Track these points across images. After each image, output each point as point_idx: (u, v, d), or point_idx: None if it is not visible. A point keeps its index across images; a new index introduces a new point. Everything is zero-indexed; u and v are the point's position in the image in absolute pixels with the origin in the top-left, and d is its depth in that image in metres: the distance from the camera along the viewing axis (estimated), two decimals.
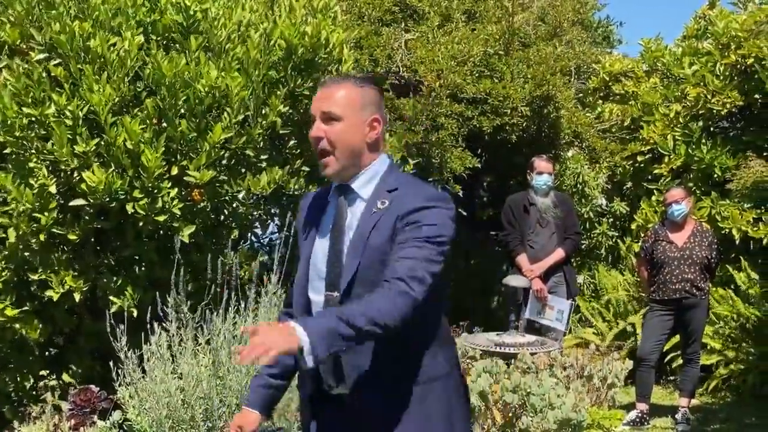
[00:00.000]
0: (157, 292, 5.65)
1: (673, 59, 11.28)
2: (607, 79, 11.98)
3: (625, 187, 11.66)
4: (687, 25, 11.76)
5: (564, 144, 10.87)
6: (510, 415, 6.65)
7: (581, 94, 11.91)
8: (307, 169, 6.69)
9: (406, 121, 9.44)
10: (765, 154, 10.08)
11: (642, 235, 10.62)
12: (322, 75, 6.65)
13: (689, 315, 8.60)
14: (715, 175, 10.24)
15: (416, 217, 3.03)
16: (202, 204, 6.07)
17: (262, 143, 6.30)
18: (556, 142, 10.71)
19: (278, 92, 6.29)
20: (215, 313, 5.70)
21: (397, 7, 10.20)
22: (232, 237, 6.33)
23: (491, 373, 6.87)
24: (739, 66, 10.21)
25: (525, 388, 6.66)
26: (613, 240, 11.53)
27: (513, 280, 8.39)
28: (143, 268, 6.29)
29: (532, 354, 7.22)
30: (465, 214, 10.37)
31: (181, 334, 5.68)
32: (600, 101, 12.05)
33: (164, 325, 5.60)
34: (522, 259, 8.91)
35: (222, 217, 6.60)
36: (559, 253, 8.97)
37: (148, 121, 5.90)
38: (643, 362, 8.54)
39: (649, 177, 11.14)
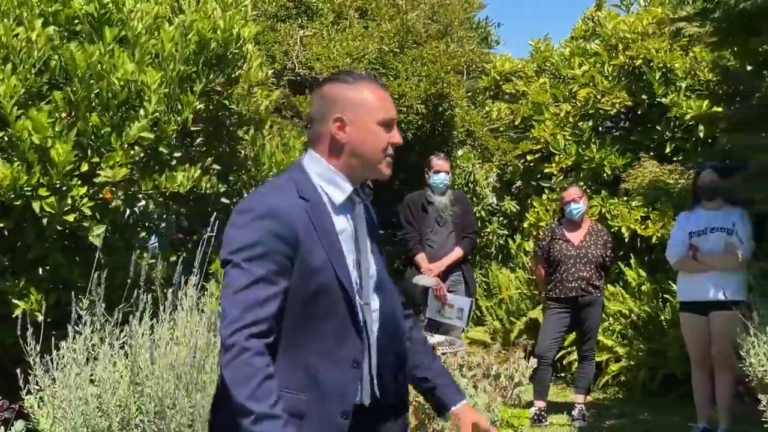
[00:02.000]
0: (68, 294, 5.34)
1: (561, 60, 11.42)
2: (498, 78, 12.06)
3: (514, 186, 11.75)
4: (575, 26, 11.92)
5: (457, 142, 10.88)
6: (423, 416, 6.57)
7: (470, 93, 11.93)
8: (218, 167, 6.48)
9: (303, 119, 9.29)
10: (652, 153, 10.31)
11: (534, 233, 10.74)
12: (232, 71, 6.44)
13: (585, 313, 8.72)
14: (605, 174, 10.40)
15: None
16: (114, 203, 5.80)
17: (174, 140, 6.06)
18: (449, 141, 10.71)
19: (195, 88, 6.05)
20: (132, 317, 5.43)
21: (291, 2, 10.03)
22: (142, 237, 6.07)
23: None
24: (627, 67, 10.41)
25: None
26: (504, 238, 11.60)
27: (422, 280, 8.35)
28: (47, 270, 5.96)
29: (442, 354, 7.17)
30: None
31: (96, 338, 5.39)
32: (490, 100, 12.11)
33: (77, 328, 5.30)
34: (421, 258, 8.85)
35: (133, 217, 6.32)
36: (457, 252, 8.95)
37: (57, 114, 5.58)
38: (540, 360, 8.60)
39: (539, 176, 11.26)
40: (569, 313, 8.72)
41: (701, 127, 9.81)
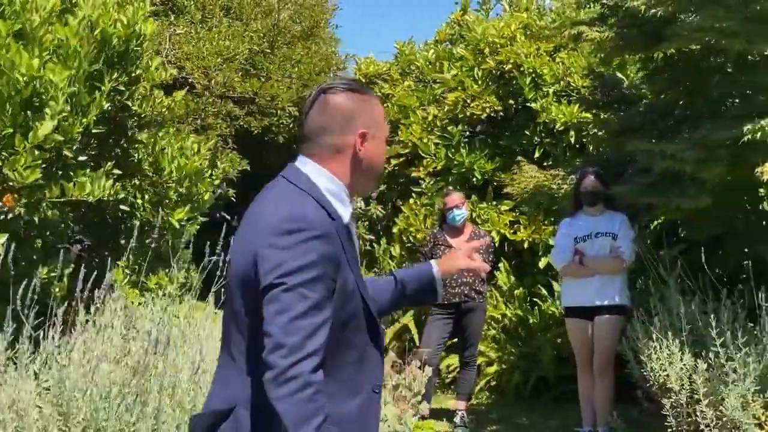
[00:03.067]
0: None
1: (425, 63, 11.38)
2: (363, 80, 11.90)
3: (378, 190, 11.61)
4: (439, 29, 11.90)
5: None
6: None
7: None
8: (119, 172, 6.07)
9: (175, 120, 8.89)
10: (518, 158, 10.39)
11: (405, 238, 10.65)
12: (133, 69, 6.04)
13: (468, 319, 8.69)
14: (474, 179, 10.40)
15: None
16: (17, 211, 5.31)
17: (79, 143, 5.62)
18: None
19: (103, 87, 5.62)
20: (42, 333, 5.03)
21: None
22: (43, 248, 5.61)
23: None
24: (495, 72, 10.45)
25: None
26: (369, 243, 11.45)
27: None
28: None
29: None
30: (228, 217, 9.92)
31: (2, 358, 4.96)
32: None
33: None
34: None
35: (35, 226, 5.83)
36: None
37: None
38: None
39: (401, 180, 11.19)
40: (453, 319, 8.67)
41: (571, 133, 9.94)
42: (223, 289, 5.67)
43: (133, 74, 6.06)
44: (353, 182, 2.78)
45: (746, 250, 7.76)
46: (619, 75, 9.40)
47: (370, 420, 2.71)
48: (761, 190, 7.74)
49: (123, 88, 6.00)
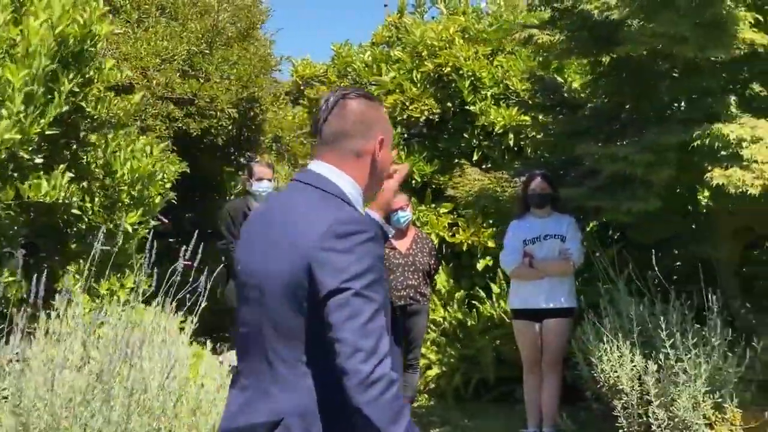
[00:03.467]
0: None
1: (362, 65, 11.33)
2: (300, 83, 11.82)
3: None
4: (375, 31, 11.85)
5: (265, 147, 10.56)
6: None
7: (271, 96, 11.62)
8: (71, 174, 5.91)
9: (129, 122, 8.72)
10: (456, 161, 10.42)
11: None
12: (87, 71, 5.90)
13: (412, 321, 8.68)
14: (413, 182, 10.39)
15: None
16: None
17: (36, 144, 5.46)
18: (255, 146, 10.37)
19: (62, 88, 5.47)
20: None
21: None
22: None
23: None
24: (434, 74, 10.45)
25: None
26: None
27: None
28: None
29: None
30: (165, 221, 9.74)
31: None
32: (290, 105, 11.85)
33: None
34: None
35: None
36: None
37: None
38: None
39: None
40: (398, 322, 8.64)
41: (510, 136, 9.99)
42: (188, 295, 5.58)
43: (87, 75, 5.92)
44: (367, 187, 2.80)
45: (687, 251, 7.88)
46: (559, 79, 9.49)
47: None
48: (701, 194, 7.89)
49: (77, 89, 5.85)
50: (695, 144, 6.55)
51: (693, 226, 8.01)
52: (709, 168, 6.52)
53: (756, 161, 6.26)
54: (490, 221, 10.10)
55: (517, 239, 7.88)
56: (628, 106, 7.88)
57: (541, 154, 10.02)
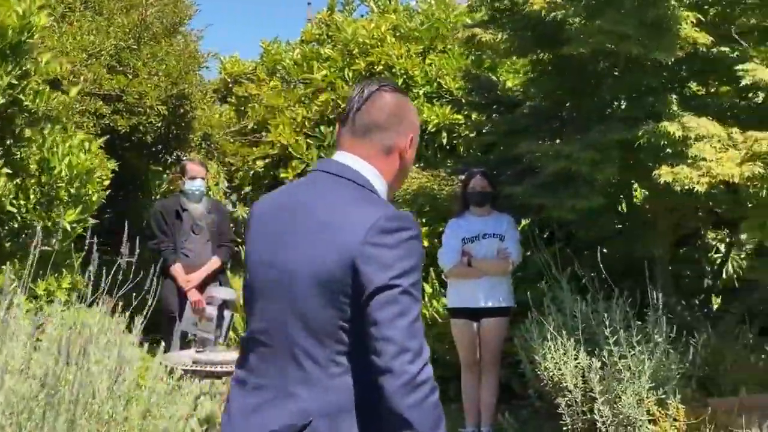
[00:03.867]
0: None
1: (291, 63, 11.21)
2: (228, 80, 11.63)
3: (243, 192, 11.35)
4: (304, 29, 11.71)
5: (194, 146, 10.34)
6: None
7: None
8: (9, 171, 5.69)
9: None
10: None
11: None
12: (25, 63, 5.68)
13: None
14: None
15: None
16: None
17: None
18: (184, 144, 10.16)
19: (0, 81, 5.25)
20: None
21: None
22: None
23: (210, 395, 6.32)
24: (366, 73, 10.39)
25: None
26: (237, 246, 11.17)
27: (222, 292, 7.80)
28: None
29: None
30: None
31: None
32: (218, 103, 11.63)
33: None
34: (177, 270, 8.34)
35: None
36: (215, 262, 8.55)
37: None
38: None
39: (266, 182, 11.00)
40: None
41: (443, 134, 9.97)
42: (135, 294, 5.40)
43: (24, 67, 5.70)
44: (392, 184, 2.70)
45: (626, 248, 7.94)
46: (493, 77, 9.51)
47: None
48: (638, 192, 7.97)
49: (16, 82, 5.62)
50: (641, 141, 6.58)
51: (627, 224, 8.06)
52: (657, 166, 6.54)
53: (704, 159, 6.30)
54: (424, 220, 10.05)
55: (456, 238, 7.82)
56: (568, 105, 7.90)
57: (474, 152, 10.02)
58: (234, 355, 7.17)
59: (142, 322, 5.38)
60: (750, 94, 7.45)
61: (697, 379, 7.17)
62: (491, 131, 8.60)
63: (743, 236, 7.65)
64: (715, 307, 8.82)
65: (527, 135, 7.65)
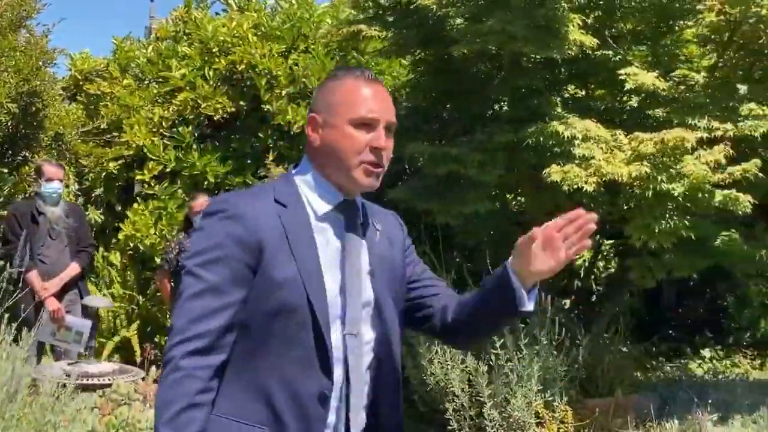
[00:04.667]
0: None
1: (145, 61, 10.76)
2: (79, 77, 11.03)
3: (94, 194, 10.80)
4: (160, 26, 11.23)
5: (44, 146, 9.75)
6: None
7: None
8: None
9: None
10: (249, 161, 10.10)
11: (131, 245, 10.01)
12: None
13: None
14: (207, 182, 9.95)
15: (409, 238, 2.83)
16: None
17: None
18: (34, 144, 9.59)
19: None
20: None
21: None
22: None
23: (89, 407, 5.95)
24: (226, 72, 10.07)
25: (134, 422, 5.88)
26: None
27: (94, 301, 7.38)
28: None
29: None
30: None
31: None
32: (67, 101, 11.01)
33: None
34: (33, 276, 7.84)
35: None
36: (74, 268, 8.08)
37: None
38: None
39: (119, 183, 10.56)
40: None
41: None
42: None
43: None
44: (325, 173, 2.53)
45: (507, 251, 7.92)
46: None
47: (316, 425, 2.41)
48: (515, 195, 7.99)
49: None
50: (529, 141, 6.56)
51: (509, 227, 8.05)
52: (543, 167, 6.54)
53: (592, 158, 6.33)
54: None
55: None
56: (449, 106, 7.82)
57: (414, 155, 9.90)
58: (110, 366, 6.82)
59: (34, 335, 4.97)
60: (624, 98, 7.58)
61: (580, 381, 7.24)
62: None
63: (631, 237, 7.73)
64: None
65: (407, 137, 7.54)
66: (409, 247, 2.79)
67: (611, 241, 10.18)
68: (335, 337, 2.44)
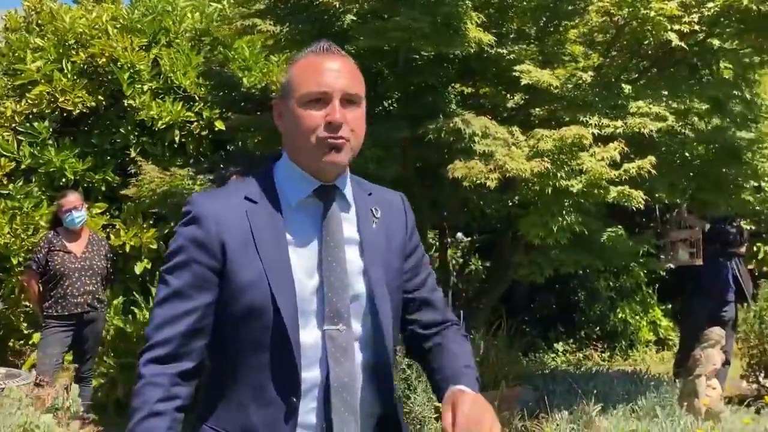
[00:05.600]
0: None
1: None
2: None
3: None
4: (10, 16, 10.65)
5: None
6: None
7: None
8: None
9: None
10: (109, 158, 9.76)
11: None
12: None
13: (89, 330, 8.12)
14: (65, 179, 9.54)
15: (414, 225, 2.68)
16: None
17: None
18: None
19: None
20: None
21: None
22: None
23: None
24: (86, 65, 9.69)
25: (31, 428, 5.63)
26: None
27: None
28: None
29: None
30: None
31: None
32: None
33: None
34: None
35: None
36: None
37: None
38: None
39: None
40: (72, 330, 7.93)
41: (176, 131, 9.52)
42: None
43: None
44: (296, 161, 2.43)
45: None
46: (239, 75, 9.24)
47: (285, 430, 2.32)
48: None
49: None
50: (431, 137, 6.59)
51: None
52: (443, 163, 6.58)
53: (493, 154, 6.41)
54: (151, 222, 9.57)
55: None
56: None
57: (205, 150, 9.69)
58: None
59: None
60: (508, 96, 7.73)
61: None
62: (238, 127, 8.25)
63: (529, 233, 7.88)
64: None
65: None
66: (414, 234, 2.66)
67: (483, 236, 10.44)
68: (311, 335, 2.34)
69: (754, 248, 12.43)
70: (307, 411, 2.32)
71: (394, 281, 2.50)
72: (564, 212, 6.64)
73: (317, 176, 2.38)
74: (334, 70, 2.36)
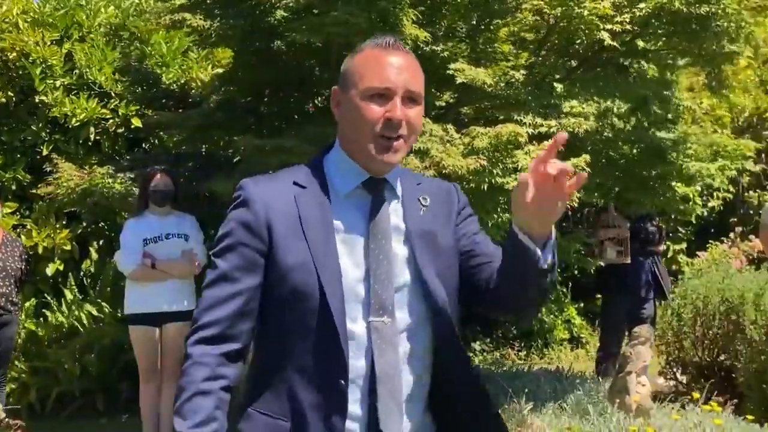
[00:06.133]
0: None
1: None
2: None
3: None
4: None
5: None
6: None
7: None
8: None
9: None
10: (20, 155, 9.45)
11: None
12: None
13: (1, 333, 7.82)
14: None
15: (469, 210, 2.66)
16: None
17: None
18: None
19: None
20: None
21: None
22: None
23: None
24: None
25: None
26: None
27: None
28: None
29: None
30: None
31: None
32: None
33: None
34: None
35: None
36: None
37: None
38: None
39: None
40: None
41: (91, 129, 9.25)
42: None
43: None
44: (348, 151, 2.46)
45: None
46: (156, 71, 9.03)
47: (335, 417, 2.30)
48: None
49: None
50: None
51: None
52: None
53: (428, 151, 6.37)
54: (64, 222, 9.29)
55: (137, 238, 7.25)
56: (266, 100, 7.63)
57: (120, 148, 9.45)
58: None
59: None
60: (439, 93, 7.69)
61: None
62: (188, 126, 8.03)
63: None
64: None
65: (220, 130, 7.32)
66: (469, 217, 2.63)
67: None
68: (357, 325, 2.33)
69: (663, 247, 12.65)
70: (353, 401, 2.31)
71: (446, 261, 2.48)
72: (498, 209, 6.64)
73: (368, 169, 2.42)
74: (399, 67, 2.38)
